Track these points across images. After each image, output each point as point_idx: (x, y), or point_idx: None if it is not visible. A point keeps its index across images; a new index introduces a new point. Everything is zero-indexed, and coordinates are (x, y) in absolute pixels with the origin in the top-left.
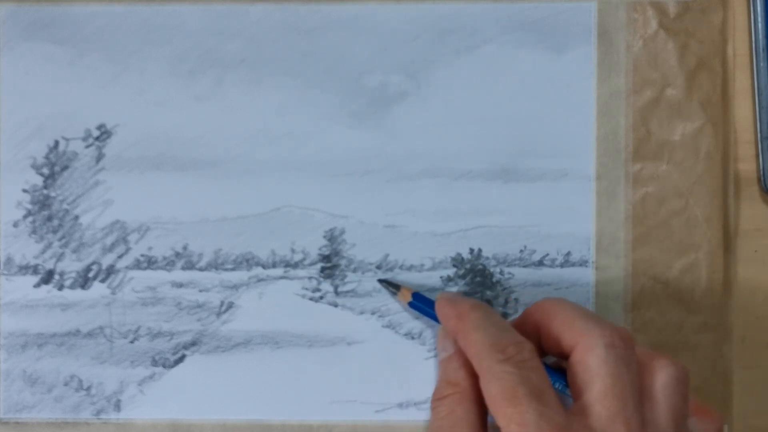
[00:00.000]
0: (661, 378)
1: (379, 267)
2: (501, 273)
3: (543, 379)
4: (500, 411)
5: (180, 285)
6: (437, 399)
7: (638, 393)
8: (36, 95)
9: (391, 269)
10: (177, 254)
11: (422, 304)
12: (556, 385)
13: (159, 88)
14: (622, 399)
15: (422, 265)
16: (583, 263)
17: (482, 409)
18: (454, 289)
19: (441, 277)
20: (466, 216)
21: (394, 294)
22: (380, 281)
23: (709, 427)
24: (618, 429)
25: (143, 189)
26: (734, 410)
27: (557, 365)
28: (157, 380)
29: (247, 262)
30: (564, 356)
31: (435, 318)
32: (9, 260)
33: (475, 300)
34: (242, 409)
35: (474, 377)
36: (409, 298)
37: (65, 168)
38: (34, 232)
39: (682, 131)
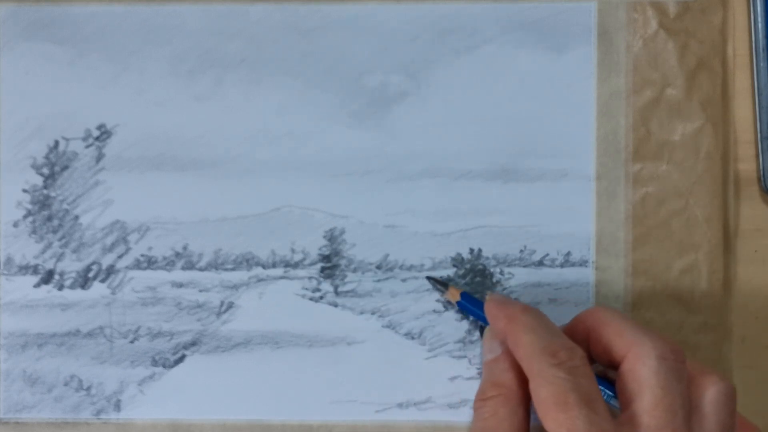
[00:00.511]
0: (711, 393)
1: (379, 267)
2: (501, 273)
3: (594, 386)
4: (550, 415)
5: (180, 285)
6: (481, 399)
7: (688, 407)
8: (36, 95)
9: (391, 269)
10: (177, 254)
11: (470, 304)
12: (604, 394)
13: (159, 88)
14: (671, 411)
15: (422, 265)
16: (583, 263)
17: (526, 413)
18: None
19: (441, 277)
20: (466, 216)
21: (442, 292)
22: (429, 279)
23: None
24: None
25: (143, 189)
26: None
27: (603, 374)
28: (157, 380)
29: (247, 262)
30: (613, 365)
31: (483, 318)
32: (9, 260)
33: (525, 303)
34: (242, 409)
35: (520, 380)
36: (458, 298)
37: (65, 168)
38: (34, 232)
39: (682, 131)
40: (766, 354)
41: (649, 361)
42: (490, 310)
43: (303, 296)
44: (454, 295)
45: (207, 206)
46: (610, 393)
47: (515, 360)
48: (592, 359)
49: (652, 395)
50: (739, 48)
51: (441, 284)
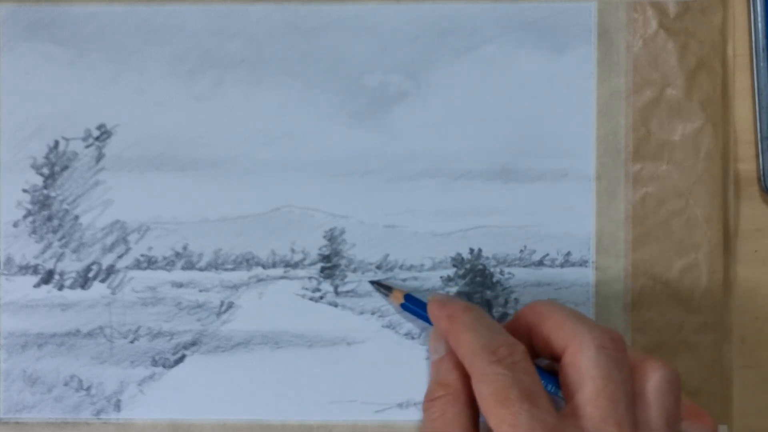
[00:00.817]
0: (654, 380)
1: (379, 267)
2: (501, 273)
3: (535, 380)
4: (492, 412)
5: (180, 285)
6: (429, 400)
7: (630, 395)
8: (36, 95)
9: (391, 269)
10: (177, 254)
11: (414, 305)
12: (549, 387)
13: (159, 88)
14: (613, 400)
15: (422, 265)
16: (583, 263)
17: (474, 411)
18: (454, 289)
19: (441, 277)
20: (466, 216)
21: (386, 296)
22: (372, 282)
23: (702, 430)
24: (610, 430)
25: (143, 189)
26: (734, 410)
27: (550, 368)
28: (157, 380)
29: (247, 262)
30: (555, 358)
31: (427, 320)
32: (9, 260)
33: (467, 302)
34: (242, 409)
35: (466, 379)
36: (402, 300)
37: (65, 168)
38: (34, 232)
39: (682, 131)
40: (766, 354)
41: (589, 352)
42: (432, 310)
43: (303, 296)
44: (398, 297)
45: (207, 206)
46: (557, 386)
47: (459, 359)
48: (537, 354)
49: (594, 385)
50: (739, 48)
51: (384, 287)
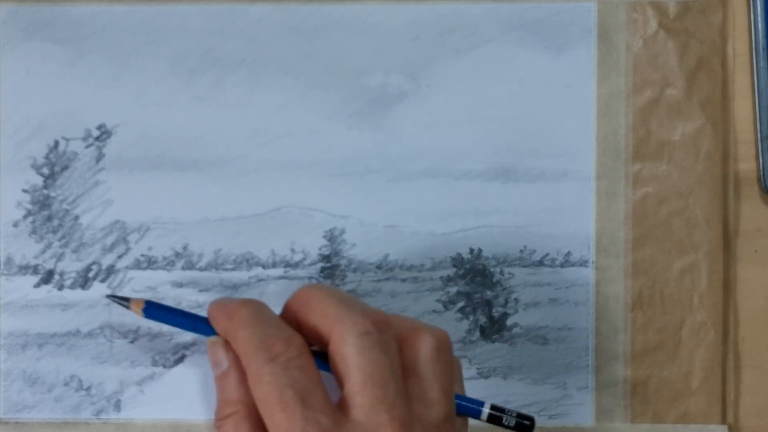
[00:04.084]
0: (423, 351)
1: (379, 267)
2: (501, 273)
3: (311, 377)
4: (269, 417)
5: (180, 285)
6: (219, 419)
7: (399, 374)
8: (36, 95)
9: (391, 269)
10: (177, 254)
11: (159, 311)
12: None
13: (159, 88)
14: (381, 386)
15: (422, 265)
16: (583, 263)
17: None
18: (454, 289)
19: (441, 277)
20: (466, 216)
21: (126, 307)
22: (109, 296)
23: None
24: (381, 417)
25: (143, 189)
26: (734, 410)
27: None
28: (157, 380)
29: (247, 262)
30: (325, 348)
31: (181, 325)
32: (9, 260)
33: (246, 298)
34: None
35: None
36: (141, 307)
37: (65, 168)
38: (34, 232)
39: (682, 131)
40: (766, 354)
41: (351, 339)
42: (211, 312)
43: None
44: (137, 306)
45: (207, 206)
46: None
47: (244, 370)
48: (310, 344)
49: (360, 373)
50: (739, 48)
51: (122, 299)
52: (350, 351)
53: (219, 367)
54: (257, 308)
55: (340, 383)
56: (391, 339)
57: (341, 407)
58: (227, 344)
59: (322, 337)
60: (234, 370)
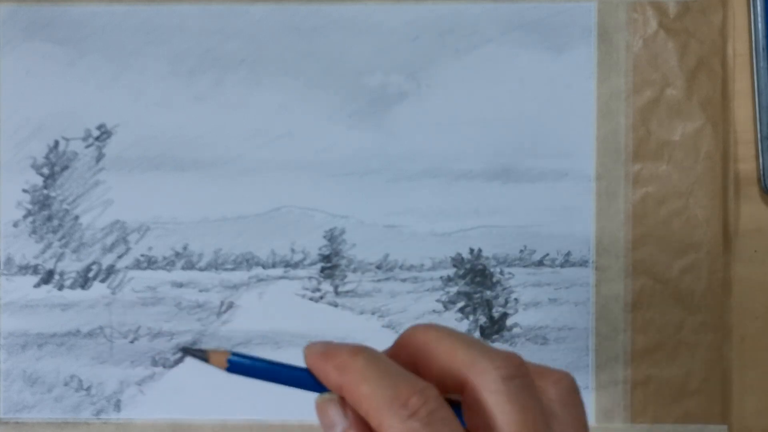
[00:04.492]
0: (558, 393)
1: (379, 267)
2: (501, 273)
3: (456, 429)
4: None
5: (180, 285)
6: None
7: (548, 420)
8: (36, 95)
9: (391, 269)
10: (177, 254)
11: (247, 364)
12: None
13: (159, 88)
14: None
15: (422, 265)
16: (583, 263)
17: None
18: (454, 289)
19: (441, 277)
20: (466, 216)
21: (205, 361)
22: (182, 350)
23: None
24: None
25: (143, 189)
26: (734, 410)
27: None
28: (157, 380)
29: (247, 262)
30: (452, 392)
31: (275, 379)
32: (9, 260)
33: (352, 344)
34: (242, 409)
35: None
36: (225, 364)
37: (65, 168)
38: (34, 232)
39: (682, 131)
40: (766, 354)
41: (496, 385)
42: (314, 365)
43: (303, 296)
44: (217, 360)
45: (207, 206)
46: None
47: (366, 424)
48: None
49: (513, 423)
50: (739, 48)
51: (198, 352)
52: (497, 399)
53: (333, 428)
54: (374, 357)
55: None
56: (533, 381)
57: None
58: (343, 401)
59: (451, 384)
60: (357, 425)
